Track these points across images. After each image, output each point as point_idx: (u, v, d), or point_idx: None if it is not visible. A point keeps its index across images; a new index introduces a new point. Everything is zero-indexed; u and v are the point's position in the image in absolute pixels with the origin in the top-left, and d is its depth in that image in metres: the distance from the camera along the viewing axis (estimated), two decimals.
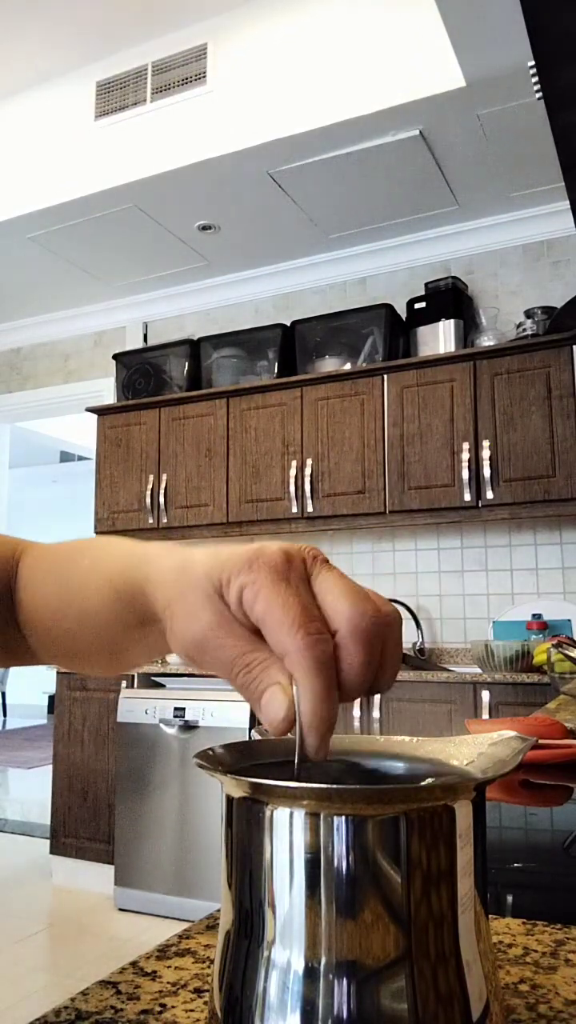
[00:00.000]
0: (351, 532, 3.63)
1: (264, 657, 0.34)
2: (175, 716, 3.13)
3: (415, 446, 3.26)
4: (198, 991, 0.40)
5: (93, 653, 0.48)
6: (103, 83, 3.43)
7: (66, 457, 9.78)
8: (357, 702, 2.96)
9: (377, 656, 0.34)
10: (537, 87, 1.18)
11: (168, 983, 0.41)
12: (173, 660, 3.50)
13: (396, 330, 3.50)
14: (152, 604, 0.41)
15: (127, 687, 3.38)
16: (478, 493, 3.12)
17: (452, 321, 3.38)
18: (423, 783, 0.35)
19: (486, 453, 3.11)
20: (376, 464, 3.32)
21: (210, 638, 0.36)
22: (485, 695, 2.77)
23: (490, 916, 0.51)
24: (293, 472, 3.46)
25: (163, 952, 0.45)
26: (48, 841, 3.53)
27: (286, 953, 0.30)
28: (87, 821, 3.41)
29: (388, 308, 3.49)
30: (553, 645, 1.63)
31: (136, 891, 3.12)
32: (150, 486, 3.80)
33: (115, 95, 3.39)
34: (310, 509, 3.42)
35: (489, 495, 3.09)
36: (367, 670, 0.34)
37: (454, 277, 3.48)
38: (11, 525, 5.11)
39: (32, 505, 9.86)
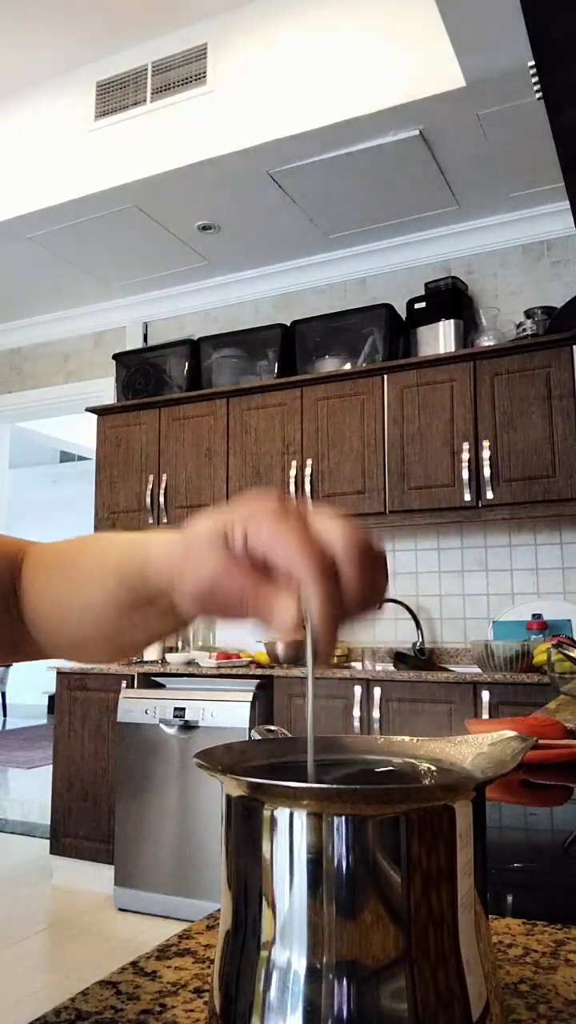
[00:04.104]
0: None
1: (272, 585, 0.39)
2: (175, 716, 3.13)
3: (415, 446, 3.26)
4: (198, 991, 0.40)
5: (97, 641, 0.52)
6: (103, 83, 3.43)
7: (66, 457, 9.78)
8: (357, 702, 2.96)
9: (369, 576, 0.38)
10: (537, 87, 1.18)
11: (168, 983, 0.41)
12: (173, 660, 3.50)
13: (396, 330, 3.50)
14: (155, 581, 0.44)
15: (127, 687, 3.38)
16: (478, 493, 3.12)
17: (452, 321, 3.38)
18: (423, 783, 0.35)
19: (486, 453, 3.11)
20: (376, 464, 3.32)
21: (219, 578, 0.40)
22: (485, 695, 2.77)
23: (490, 916, 0.51)
24: (293, 472, 3.46)
25: (163, 952, 0.45)
26: (48, 841, 3.53)
27: (286, 953, 0.30)
28: (87, 821, 3.41)
29: (388, 308, 3.49)
30: (553, 645, 1.63)
31: (136, 891, 3.12)
32: (150, 486, 3.80)
33: (115, 95, 3.39)
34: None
35: (489, 495, 3.09)
36: (363, 585, 0.38)
37: (454, 277, 3.48)
38: (11, 525, 5.11)
39: (32, 505, 9.86)
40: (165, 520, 3.74)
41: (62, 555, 0.54)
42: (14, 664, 0.60)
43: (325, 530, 0.38)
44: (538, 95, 1.20)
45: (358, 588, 0.38)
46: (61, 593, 0.53)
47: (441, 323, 3.39)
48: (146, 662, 3.69)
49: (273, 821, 0.30)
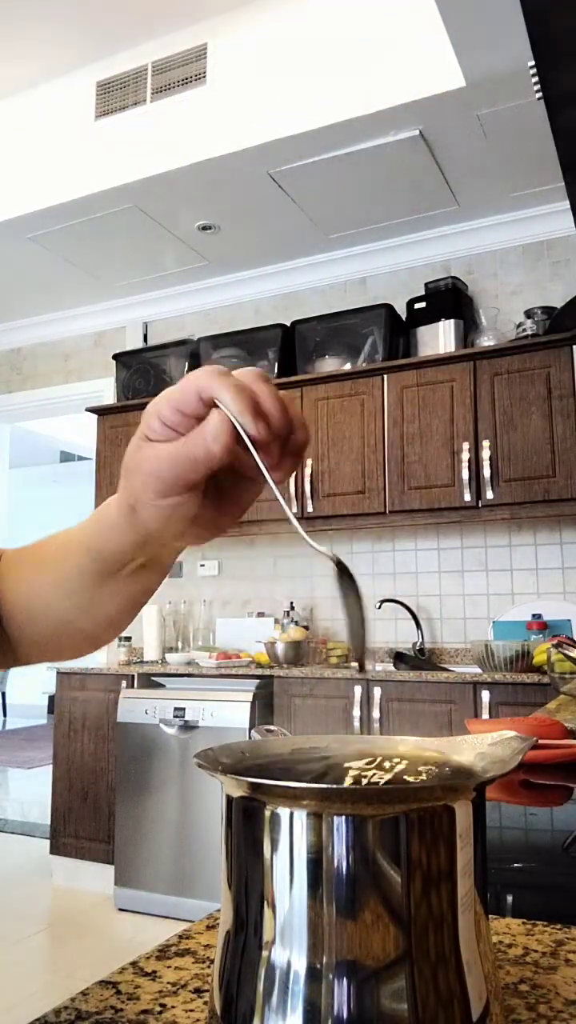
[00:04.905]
0: (351, 532, 3.63)
1: (193, 430, 0.43)
2: (175, 716, 3.13)
3: (415, 446, 3.26)
4: (198, 991, 0.40)
5: (74, 620, 0.55)
6: (103, 83, 3.42)
7: (66, 457, 9.78)
8: (357, 702, 2.96)
9: (279, 399, 0.43)
10: (537, 87, 1.18)
11: (168, 983, 0.41)
12: (173, 660, 3.50)
13: (396, 330, 3.50)
14: (120, 519, 0.48)
15: (127, 687, 3.38)
16: (478, 493, 3.12)
17: (452, 321, 3.38)
18: (423, 783, 0.35)
19: (486, 453, 3.11)
20: (376, 464, 3.32)
21: (147, 455, 0.45)
22: (485, 695, 2.77)
23: (490, 916, 0.51)
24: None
25: (163, 952, 0.45)
26: (48, 841, 3.53)
27: (286, 953, 0.30)
28: (87, 821, 3.40)
29: (388, 308, 3.49)
30: (553, 645, 1.63)
31: (136, 891, 3.12)
32: None
33: (115, 95, 3.39)
34: (310, 509, 3.42)
35: (489, 495, 3.09)
36: (276, 399, 0.42)
37: (454, 277, 3.48)
38: (11, 525, 5.11)
39: (32, 505, 9.85)
40: None
41: (32, 548, 0.59)
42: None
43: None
44: (538, 95, 1.20)
45: (272, 401, 0.42)
46: (34, 577, 0.56)
47: (441, 323, 3.39)
48: (146, 662, 3.69)
49: (273, 821, 0.30)
